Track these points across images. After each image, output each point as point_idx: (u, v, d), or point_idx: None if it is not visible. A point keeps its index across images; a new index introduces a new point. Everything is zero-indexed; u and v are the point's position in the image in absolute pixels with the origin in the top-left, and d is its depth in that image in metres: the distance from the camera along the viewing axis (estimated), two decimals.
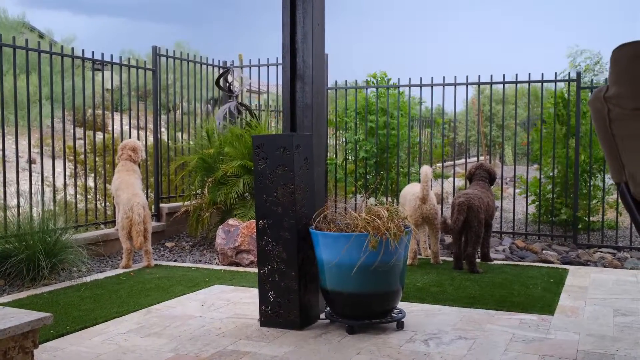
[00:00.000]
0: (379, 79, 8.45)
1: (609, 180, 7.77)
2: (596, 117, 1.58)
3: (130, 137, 7.46)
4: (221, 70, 8.42)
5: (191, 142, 8.04)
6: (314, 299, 4.06)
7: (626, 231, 7.49)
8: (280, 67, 8.09)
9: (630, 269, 5.93)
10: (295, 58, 4.16)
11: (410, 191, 6.00)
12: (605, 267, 6.05)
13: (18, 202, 5.51)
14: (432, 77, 7.53)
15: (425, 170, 5.77)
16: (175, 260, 6.40)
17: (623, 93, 1.51)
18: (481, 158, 14.13)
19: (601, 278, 5.39)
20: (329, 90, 8.47)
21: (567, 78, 7.15)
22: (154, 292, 4.87)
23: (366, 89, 8.31)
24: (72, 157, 7.59)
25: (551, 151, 7.51)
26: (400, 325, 3.90)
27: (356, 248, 3.64)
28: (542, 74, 7.13)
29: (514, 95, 7.20)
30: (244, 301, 4.61)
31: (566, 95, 7.42)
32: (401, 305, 4.24)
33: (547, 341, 3.65)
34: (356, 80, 8.19)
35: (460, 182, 10.08)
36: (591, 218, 7.50)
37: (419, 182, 5.84)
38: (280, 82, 7.17)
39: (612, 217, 7.88)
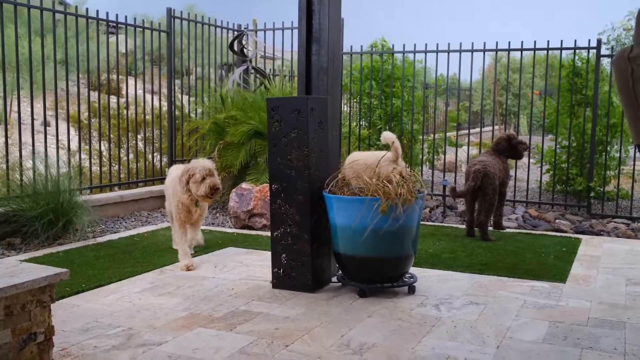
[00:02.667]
0: (381, 46, 8.36)
1: (625, 151, 7.69)
2: (619, 77, 1.55)
3: (144, 101, 7.47)
4: (235, 34, 8.35)
5: (205, 106, 8.02)
6: (326, 262, 4.08)
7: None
8: (295, 32, 8.02)
9: None
10: (312, 20, 4.11)
11: (360, 158, 5.80)
12: (618, 237, 6.02)
13: (34, 163, 5.54)
14: (449, 44, 7.44)
15: (389, 134, 5.65)
16: None
17: None
18: (496, 127, 14.01)
19: (614, 248, 5.37)
20: (344, 56, 8.38)
21: (586, 45, 7.01)
22: (167, 253, 4.92)
23: (381, 54, 8.22)
24: (86, 121, 7.61)
25: (567, 121, 7.42)
26: (411, 290, 3.92)
27: (368, 212, 3.64)
28: (562, 40, 7.01)
29: (532, 64, 7.11)
30: (257, 263, 4.65)
31: (583, 64, 7.29)
32: (413, 270, 4.26)
33: (559, 308, 3.66)
34: (372, 46, 8.10)
35: (474, 150, 10.03)
36: (606, 188, 7.44)
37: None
38: (295, 47, 7.10)
39: (627, 188, 7.81)
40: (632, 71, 1.52)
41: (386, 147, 5.19)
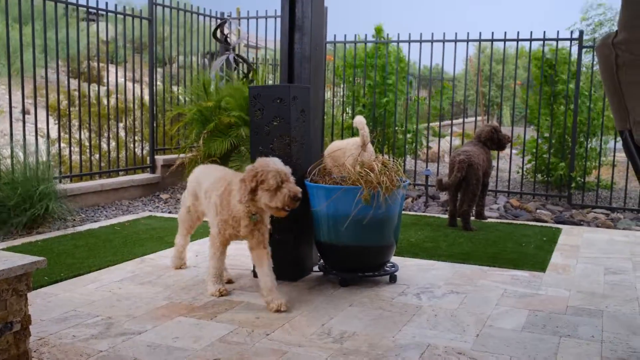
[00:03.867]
0: (373, 34, 8.34)
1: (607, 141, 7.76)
2: (603, 63, 1.55)
3: (125, 89, 7.38)
4: (218, 22, 8.28)
5: (187, 95, 7.95)
6: (308, 252, 4.07)
7: (620, 192, 7.51)
8: (278, 20, 7.97)
9: (623, 229, 5.97)
10: (294, 8, 4.08)
11: (338, 145, 5.81)
12: (598, 227, 6.08)
13: (12, 151, 5.46)
14: (432, 33, 7.43)
15: (360, 118, 5.66)
16: (170, 212, 6.40)
17: (633, 38, 1.48)
18: (479, 118, 14.07)
19: (593, 237, 5.42)
20: (328, 45, 8.35)
21: (568, 37, 7.04)
22: (148, 242, 4.88)
23: (365, 44, 8.19)
24: (66, 109, 7.52)
25: (548, 112, 7.46)
26: (393, 279, 3.93)
27: (350, 201, 3.63)
28: (544, 32, 7.04)
29: (517, 55, 7.14)
30: (239, 253, 4.63)
31: (563, 55, 7.33)
32: (395, 259, 4.27)
33: (538, 297, 3.68)
34: (355, 35, 8.07)
35: (457, 141, 10.06)
36: (586, 179, 7.51)
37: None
38: (278, 36, 7.06)
39: (607, 178, 7.88)
40: (616, 57, 1.52)
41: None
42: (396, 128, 8.23)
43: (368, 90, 8.22)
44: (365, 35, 8.30)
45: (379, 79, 8.20)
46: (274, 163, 3.31)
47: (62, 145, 6.67)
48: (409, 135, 8.33)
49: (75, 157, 6.70)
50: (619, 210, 6.85)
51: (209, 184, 3.65)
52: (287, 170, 3.30)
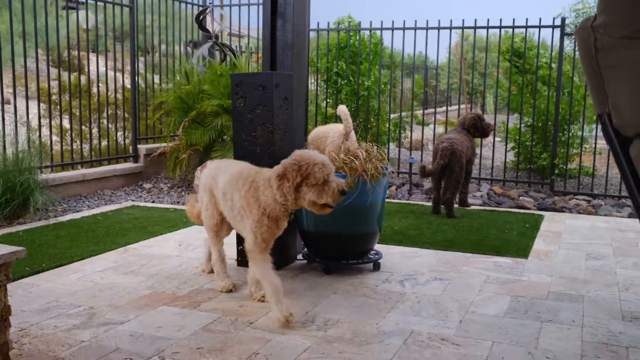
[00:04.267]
0: (347, 23, 8.31)
1: (587, 130, 7.81)
2: (582, 47, 1.55)
3: (106, 77, 7.30)
4: (201, 9, 8.19)
5: (170, 82, 7.89)
6: (292, 240, 4.06)
7: (602, 179, 7.58)
8: (261, 7, 7.91)
9: (604, 215, 6.03)
10: None
11: (323, 130, 5.82)
12: (579, 213, 6.14)
13: None
14: (416, 21, 7.42)
15: (343, 108, 5.66)
16: (153, 202, 6.36)
17: (611, 21, 1.48)
18: (462, 106, 14.11)
19: (575, 224, 5.47)
20: (311, 32, 8.31)
21: (551, 24, 7.06)
22: (131, 232, 4.85)
23: (348, 31, 8.16)
24: (46, 98, 7.42)
25: (531, 100, 7.49)
26: (376, 266, 3.94)
27: None
28: (527, 19, 7.06)
29: (502, 43, 7.16)
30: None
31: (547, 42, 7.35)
32: (378, 247, 4.28)
33: (520, 283, 3.71)
34: (339, 23, 8.04)
35: (440, 129, 10.08)
36: (568, 166, 7.56)
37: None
38: (261, 23, 7.00)
39: (589, 165, 7.95)
40: (595, 40, 1.52)
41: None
42: (379, 116, 8.23)
43: (352, 77, 8.20)
44: (349, 22, 8.27)
45: (357, 66, 8.18)
46: (317, 155, 2.94)
47: (44, 133, 6.59)
48: (385, 124, 8.33)
49: (57, 147, 6.62)
50: (600, 196, 6.91)
51: (225, 182, 3.24)
52: (329, 161, 2.97)
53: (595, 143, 7.21)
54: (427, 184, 7.11)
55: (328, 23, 8.09)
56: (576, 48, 6.70)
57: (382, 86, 8.21)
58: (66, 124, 6.97)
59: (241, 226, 3.18)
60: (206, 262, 3.83)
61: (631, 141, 1.53)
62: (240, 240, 3.96)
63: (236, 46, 9.27)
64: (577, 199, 6.78)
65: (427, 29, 7.40)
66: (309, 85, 8.63)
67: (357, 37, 8.25)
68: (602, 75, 1.53)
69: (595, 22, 1.52)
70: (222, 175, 3.32)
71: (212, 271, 3.70)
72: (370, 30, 7.87)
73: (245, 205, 3.08)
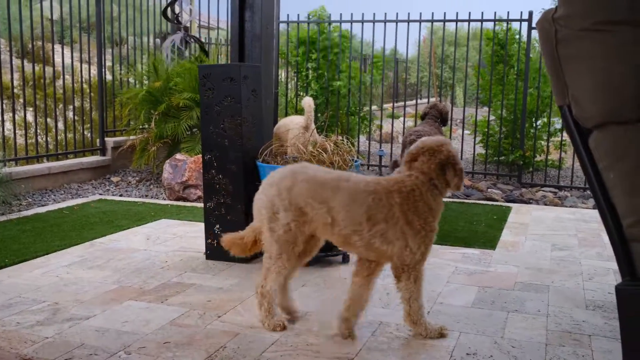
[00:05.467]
0: (318, 16, 8.29)
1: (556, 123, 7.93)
2: (543, 38, 1.57)
3: (72, 69, 7.17)
4: (168, 1, 8.09)
5: (138, 74, 7.78)
6: None
7: (568, 171, 7.70)
8: None
9: (570, 206, 6.13)
10: None
11: (284, 123, 5.83)
12: (546, 205, 6.23)
13: None
14: (386, 14, 7.44)
15: (308, 100, 5.68)
16: (121, 195, 6.28)
17: (572, 13, 1.50)
18: (432, 99, 14.20)
19: (542, 215, 5.55)
20: (281, 24, 8.27)
21: (519, 17, 7.14)
22: (98, 226, 4.78)
23: (318, 24, 8.14)
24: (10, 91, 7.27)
25: (500, 93, 7.57)
26: (346, 259, 3.94)
27: None
28: (495, 12, 7.12)
29: (473, 36, 7.21)
30: (191, 235, 4.57)
31: (513, 36, 7.44)
32: None
33: (488, 274, 3.75)
34: (308, 15, 8.01)
35: (410, 122, 10.13)
36: (536, 158, 7.67)
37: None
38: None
39: (557, 158, 8.07)
40: (556, 31, 1.54)
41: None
42: (348, 109, 8.23)
43: (321, 71, 8.19)
44: (319, 14, 8.25)
45: (327, 58, 8.17)
46: (437, 137, 2.68)
47: (8, 126, 6.45)
48: (356, 117, 8.35)
49: (21, 140, 6.49)
50: (566, 188, 7.02)
51: (353, 201, 2.57)
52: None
53: (562, 135, 7.33)
54: None
55: (298, 15, 8.06)
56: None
57: (352, 80, 8.21)
58: (31, 116, 6.83)
59: (384, 247, 2.60)
60: (282, 301, 2.96)
61: (590, 132, 1.55)
62: (209, 233, 3.93)
63: (205, 38, 9.18)
64: (544, 190, 6.88)
65: (396, 21, 7.42)
66: (280, 78, 8.59)
67: (327, 30, 8.24)
68: (562, 66, 1.54)
69: (557, 13, 1.53)
70: (326, 190, 2.62)
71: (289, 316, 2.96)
72: (340, 23, 7.87)
73: (403, 222, 2.57)
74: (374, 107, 9.11)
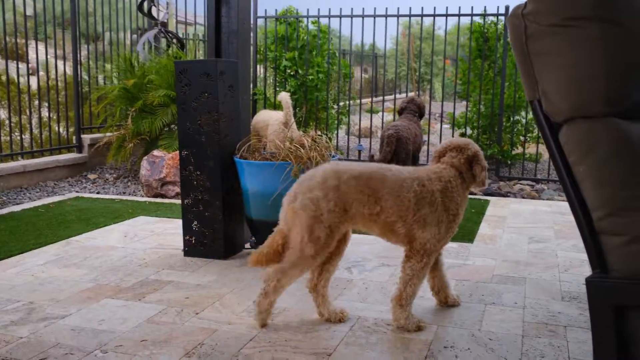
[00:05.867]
0: (295, 11, 8.28)
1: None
2: (513, 34, 1.58)
3: (47, 65, 7.08)
4: None
5: (114, 71, 7.70)
6: (239, 229, 4.03)
7: (545, 164, 7.78)
8: None
9: (547, 199, 6.20)
10: None
11: (263, 118, 5.85)
12: (524, 198, 6.29)
13: None
14: (363, 9, 7.44)
15: (285, 95, 5.70)
16: (98, 193, 6.22)
17: (540, 9, 1.51)
18: (410, 94, 14.26)
19: (519, 208, 5.61)
20: (259, 20, 8.24)
21: (495, 12, 7.18)
22: (74, 224, 4.73)
23: (297, 19, 8.12)
24: None
25: (478, 87, 7.62)
26: None
27: (280, 177, 3.61)
28: (472, 7, 7.15)
29: (452, 31, 7.24)
30: (169, 232, 4.55)
31: (491, 30, 7.49)
32: None
33: (466, 267, 3.78)
34: (291, 8, 7.99)
35: (389, 116, 10.16)
36: (513, 151, 7.74)
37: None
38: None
39: (534, 152, 8.15)
40: (526, 27, 1.55)
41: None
42: (327, 105, 8.23)
43: (299, 66, 8.17)
44: (297, 10, 8.22)
45: (303, 55, 8.16)
46: (458, 138, 2.89)
47: None
48: (334, 111, 8.35)
49: None
50: (543, 181, 7.10)
51: (404, 192, 2.65)
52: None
53: (539, 129, 7.40)
54: None
55: (276, 10, 8.03)
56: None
57: (321, 74, 8.20)
58: (4, 114, 6.73)
59: (420, 233, 2.70)
60: (326, 308, 2.92)
61: (561, 127, 1.57)
62: (187, 229, 3.91)
63: (183, 34, 9.11)
64: (521, 184, 6.95)
65: (374, 16, 7.43)
66: (259, 74, 8.56)
67: (304, 26, 8.22)
68: (532, 62, 1.56)
69: (526, 9, 1.55)
70: (374, 181, 2.67)
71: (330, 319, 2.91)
72: (318, 18, 7.85)
73: (442, 208, 2.70)
74: (354, 102, 9.12)
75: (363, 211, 2.66)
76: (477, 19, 7.49)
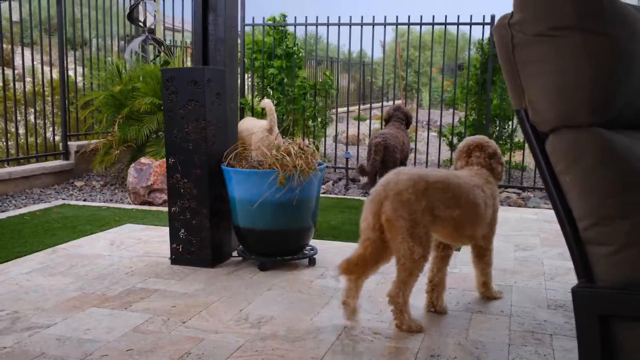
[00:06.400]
0: (283, 19, 8.29)
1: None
2: (500, 44, 1.59)
3: (33, 71, 7.04)
4: (133, 2, 8.00)
5: (101, 78, 7.67)
6: (226, 237, 4.02)
7: (531, 172, 7.83)
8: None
9: (533, 207, 6.24)
10: None
11: (247, 127, 5.90)
12: (510, 205, 6.32)
13: None
14: (351, 17, 7.47)
15: (268, 102, 5.75)
16: (84, 200, 6.18)
17: (526, 18, 1.53)
18: (397, 102, 14.31)
19: (506, 216, 5.63)
20: (247, 27, 8.24)
21: (481, 21, 7.24)
22: (60, 232, 4.69)
23: (284, 27, 8.13)
24: None
25: (469, 96, 7.67)
26: (312, 262, 3.94)
27: (266, 185, 3.61)
28: (458, 16, 7.20)
29: (438, 40, 7.29)
30: (156, 240, 4.52)
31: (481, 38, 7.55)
32: (314, 242, 4.28)
33: (452, 275, 3.78)
34: (274, 17, 8.00)
35: (376, 124, 10.20)
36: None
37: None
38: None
39: (520, 160, 8.20)
40: (512, 37, 1.57)
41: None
42: (315, 113, 8.24)
43: (287, 75, 8.18)
44: (285, 17, 8.24)
45: (290, 63, 8.17)
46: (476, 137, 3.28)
47: None
48: (320, 120, 8.37)
49: None
50: (529, 189, 7.14)
51: (477, 192, 2.95)
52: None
53: (525, 138, 7.45)
54: (364, 179, 7.18)
55: (264, 18, 8.04)
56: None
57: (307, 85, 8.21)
58: None
59: (478, 229, 3.05)
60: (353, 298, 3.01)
61: (547, 136, 1.58)
62: (174, 237, 3.89)
63: (170, 41, 9.10)
64: (507, 191, 6.98)
65: (362, 24, 7.46)
66: (245, 81, 8.56)
67: (294, 34, 8.24)
68: (518, 71, 1.57)
69: (512, 19, 1.56)
70: (453, 187, 2.86)
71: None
72: (306, 26, 7.87)
73: (491, 202, 3.08)
74: (342, 110, 9.14)
75: (444, 214, 2.83)
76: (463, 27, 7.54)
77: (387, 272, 3.79)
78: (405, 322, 2.85)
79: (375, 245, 2.82)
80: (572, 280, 3.72)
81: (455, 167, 3.26)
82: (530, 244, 4.59)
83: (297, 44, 8.26)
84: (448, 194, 2.82)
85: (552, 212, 5.74)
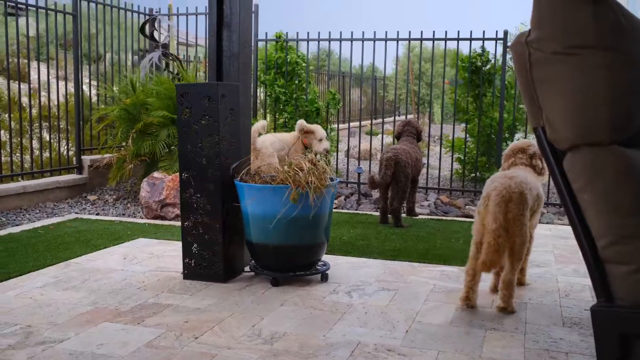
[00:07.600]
0: (293, 35, 8.34)
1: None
2: (517, 61, 1.59)
3: (48, 86, 7.10)
4: (146, 18, 8.08)
5: (115, 92, 7.73)
6: (239, 252, 4.02)
7: (544, 188, 7.78)
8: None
9: (547, 223, 6.18)
10: (222, 4, 4.02)
11: (271, 140, 6.09)
12: None
13: None
14: (363, 32, 7.50)
15: (256, 125, 5.91)
16: (97, 214, 6.20)
17: (544, 36, 1.52)
18: (409, 116, 14.32)
19: None
20: (259, 43, 8.29)
21: (494, 37, 7.24)
22: (74, 246, 4.71)
23: (297, 42, 8.18)
24: None
25: (476, 111, 7.65)
26: (324, 277, 3.93)
27: (279, 200, 3.61)
28: (471, 31, 7.21)
29: (450, 55, 7.28)
30: (168, 254, 4.53)
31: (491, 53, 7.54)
32: (326, 258, 4.27)
33: None
34: (287, 33, 8.05)
35: (388, 139, 10.20)
36: None
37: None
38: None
39: None
40: (529, 55, 1.56)
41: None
42: (328, 129, 8.26)
43: (298, 89, 8.21)
44: (297, 33, 8.28)
45: (300, 79, 8.20)
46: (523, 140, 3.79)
47: None
48: (333, 134, 8.38)
49: None
50: (543, 205, 7.09)
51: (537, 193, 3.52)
52: None
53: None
54: (376, 193, 7.16)
55: (276, 33, 8.09)
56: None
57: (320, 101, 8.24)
58: (5, 134, 6.74)
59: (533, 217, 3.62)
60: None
61: (565, 154, 1.57)
62: (187, 252, 3.90)
63: (183, 55, 9.17)
64: None
65: (374, 40, 7.49)
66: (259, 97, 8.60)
67: (306, 50, 8.27)
68: (535, 89, 1.57)
69: (530, 36, 1.56)
70: (535, 189, 3.47)
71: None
72: (318, 41, 7.91)
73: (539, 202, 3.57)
74: (354, 124, 9.15)
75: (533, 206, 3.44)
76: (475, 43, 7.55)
77: (398, 288, 3.78)
78: (512, 305, 3.37)
79: (501, 237, 3.25)
80: (588, 297, 3.68)
81: (502, 167, 3.71)
82: (545, 261, 4.55)
83: (299, 55, 8.28)
84: (534, 192, 3.40)
85: (566, 228, 5.71)
